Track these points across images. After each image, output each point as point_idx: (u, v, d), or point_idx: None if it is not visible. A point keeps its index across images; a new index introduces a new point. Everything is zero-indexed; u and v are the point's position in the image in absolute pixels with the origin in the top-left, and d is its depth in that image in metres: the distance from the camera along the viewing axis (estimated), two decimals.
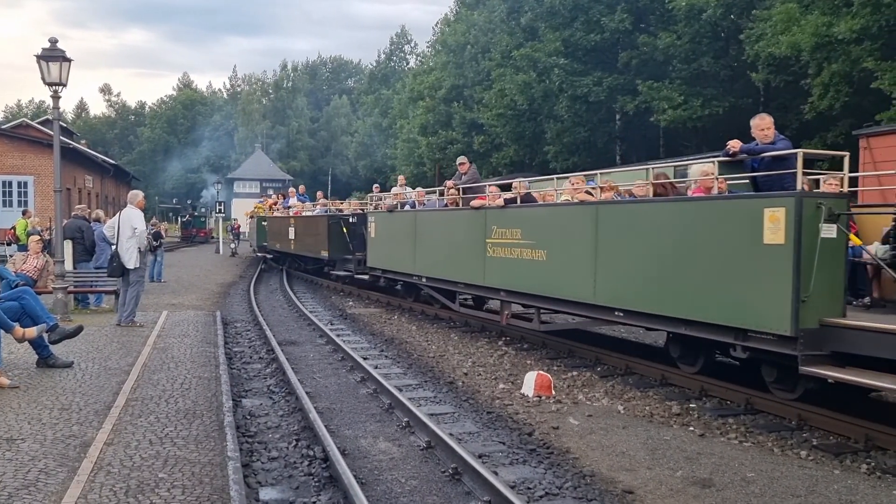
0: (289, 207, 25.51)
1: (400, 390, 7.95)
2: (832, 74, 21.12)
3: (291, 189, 28.22)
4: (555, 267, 9.38)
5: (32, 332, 7.93)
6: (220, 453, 5.42)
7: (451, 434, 6.31)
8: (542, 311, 10.23)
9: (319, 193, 26.66)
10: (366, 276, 16.83)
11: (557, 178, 10.94)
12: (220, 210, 41.02)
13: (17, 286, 8.65)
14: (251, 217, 34.07)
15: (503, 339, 11.63)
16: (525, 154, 38.04)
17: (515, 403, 7.65)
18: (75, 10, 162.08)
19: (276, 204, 28.69)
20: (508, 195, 10.86)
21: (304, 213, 23.17)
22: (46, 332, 8.18)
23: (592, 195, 9.16)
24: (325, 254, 19.45)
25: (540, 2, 33.44)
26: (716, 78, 29.20)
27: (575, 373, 9.10)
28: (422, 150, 48.32)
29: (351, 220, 18.75)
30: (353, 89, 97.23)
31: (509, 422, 7.02)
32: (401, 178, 19.65)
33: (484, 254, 11.02)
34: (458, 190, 12.60)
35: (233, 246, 37.86)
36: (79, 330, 8.89)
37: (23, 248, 16.95)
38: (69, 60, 11.96)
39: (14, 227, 20.11)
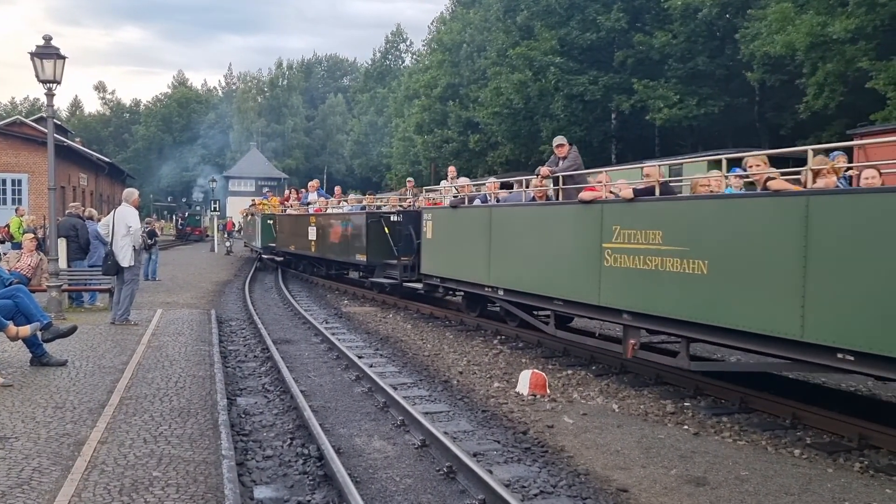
0: (308, 204, 22.34)
1: (395, 389, 7.95)
2: (827, 74, 21.20)
3: (312, 182, 24.49)
4: (722, 284, 6.75)
5: (26, 330, 7.91)
6: (214, 452, 5.40)
7: (445, 433, 6.31)
8: (691, 342, 7.54)
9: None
10: (417, 285, 14.33)
11: (711, 160, 9.18)
12: (215, 208, 40.94)
13: (10, 284, 8.61)
14: (251, 215, 31.14)
15: (498, 337, 11.63)
16: (521, 153, 38.08)
17: (510, 402, 7.66)
18: (69, 7, 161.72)
19: (287, 200, 25.93)
20: (640, 184, 8.32)
21: (330, 210, 20.39)
22: (40, 330, 8.16)
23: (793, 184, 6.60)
24: (361, 258, 16.77)
25: (536, 0, 33.46)
26: (711, 77, 29.27)
27: (570, 371, 9.11)
28: (417, 148, 48.36)
29: (394, 218, 15.94)
30: (348, 87, 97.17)
31: (504, 420, 7.02)
32: (451, 169, 16.24)
33: (599, 262, 8.29)
34: (554, 180, 9.94)
35: (227, 244, 37.79)
36: (73, 329, 8.86)
37: (17, 245, 16.90)
38: (63, 58, 11.92)
39: (8, 225, 20.05)
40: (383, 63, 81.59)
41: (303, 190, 25.12)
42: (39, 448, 5.40)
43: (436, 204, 14.32)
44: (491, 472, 5.44)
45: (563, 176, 9.70)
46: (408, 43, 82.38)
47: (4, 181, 30.82)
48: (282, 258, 24.74)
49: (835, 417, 6.54)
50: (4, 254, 14.83)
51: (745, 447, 6.18)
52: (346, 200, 21.61)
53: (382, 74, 77.83)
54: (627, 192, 8.00)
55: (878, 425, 6.18)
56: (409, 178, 21.00)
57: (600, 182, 9.14)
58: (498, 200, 11.56)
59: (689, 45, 28.23)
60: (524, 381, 8.08)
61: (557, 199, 9.84)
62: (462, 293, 13.12)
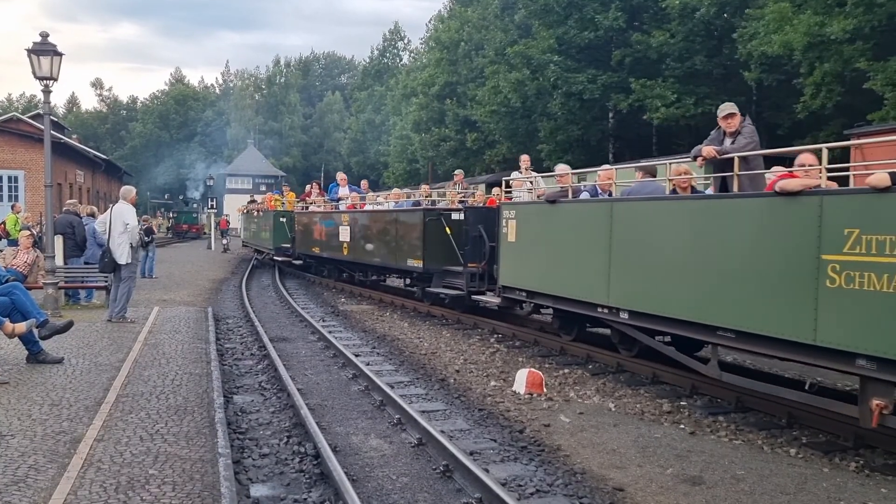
0: (338, 200, 19.10)
1: (391, 387, 7.95)
2: (824, 74, 21.20)
3: (341, 175, 21.00)
4: None
5: (22, 327, 7.90)
6: (210, 450, 5.40)
7: (442, 431, 6.31)
8: None
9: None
10: (492, 300, 11.62)
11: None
12: (212, 206, 40.90)
13: (7, 281, 8.60)
14: (256, 212, 28.75)
15: (495, 336, 11.64)
16: (518, 151, 37.93)
17: (507, 401, 7.66)
18: (66, 3, 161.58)
19: (308, 196, 22.50)
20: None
21: (373, 207, 17.29)
22: (36, 327, 8.15)
23: None
24: (416, 263, 13.94)
25: None
26: (709, 76, 29.28)
27: (566, 370, 9.12)
28: (415, 146, 48.34)
29: (456, 216, 13.52)
30: (346, 85, 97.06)
31: (501, 419, 7.02)
32: (524, 158, 12.99)
33: (814, 282, 5.81)
34: (720, 164, 7.42)
35: (224, 242, 37.75)
36: (69, 325, 8.84)
37: (13, 242, 16.86)
38: (60, 55, 11.89)
39: (4, 222, 19.99)
40: (381, 61, 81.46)
41: (336, 188, 20.18)
42: (35, 445, 5.39)
43: (505, 200, 11.72)
44: (487, 470, 5.44)
45: (738, 158, 6.94)
46: (406, 41, 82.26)
47: (1, 178, 30.75)
48: (300, 261, 21.76)
49: (830, 417, 6.56)
50: (1, 251, 14.78)
51: (741, 446, 6.20)
52: (388, 196, 18.67)
53: (380, 72, 77.73)
54: (880, 179, 5.37)
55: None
56: (457, 171, 16.85)
57: (803, 166, 6.41)
58: (610, 194, 8.95)
59: (686, 44, 28.23)
60: (521, 379, 8.08)
61: (725, 189, 7.29)
62: (556, 311, 10.22)
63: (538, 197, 10.63)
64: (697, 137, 32.01)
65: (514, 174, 13.17)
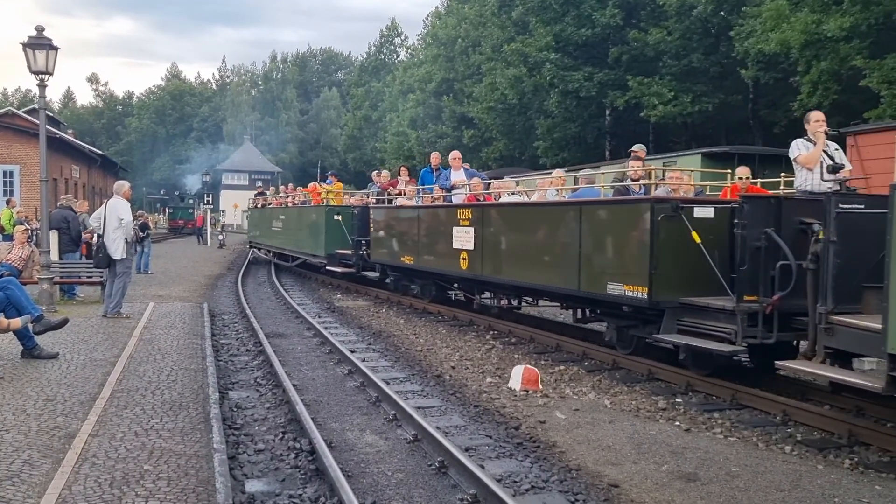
0: (451, 189, 13.06)
1: (387, 383, 7.95)
2: (821, 72, 21.23)
3: (455, 154, 13.81)
4: None
5: (17, 322, 7.88)
6: (206, 445, 5.40)
7: (437, 427, 6.31)
8: None
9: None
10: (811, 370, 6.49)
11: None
12: (208, 201, 40.83)
13: (1, 276, 8.58)
14: (262, 206, 26.33)
15: (491, 332, 11.64)
16: (515, 149, 38.09)
17: (502, 397, 7.66)
18: None
19: (394, 185, 16.27)
20: None
21: (510, 199, 11.80)
22: (31, 322, 8.13)
23: None
24: (632, 291, 8.16)
25: None
26: (706, 74, 29.33)
27: (562, 367, 9.12)
28: (411, 143, 48.29)
29: (703, 211, 8.00)
30: (342, 82, 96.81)
31: (496, 415, 7.03)
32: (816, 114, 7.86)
33: None
34: None
35: (220, 238, 37.72)
36: (64, 321, 8.84)
37: (8, 237, 16.81)
38: (56, 49, 11.85)
39: None
40: (378, 57, 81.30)
41: (446, 173, 13.56)
42: (30, 441, 5.38)
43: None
44: (483, 466, 5.44)
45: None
46: (402, 37, 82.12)
47: None
48: (379, 273, 16.52)
49: (825, 414, 6.58)
50: None
51: (736, 443, 6.21)
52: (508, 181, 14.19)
53: (377, 69, 77.58)
54: None
55: (868, 422, 6.21)
56: (637, 146, 11.51)
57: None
58: None
59: (683, 42, 28.26)
60: (516, 376, 8.09)
61: None
62: None
63: None
64: (694, 135, 32.20)
65: (800, 142, 7.71)
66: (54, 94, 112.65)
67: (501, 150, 38.15)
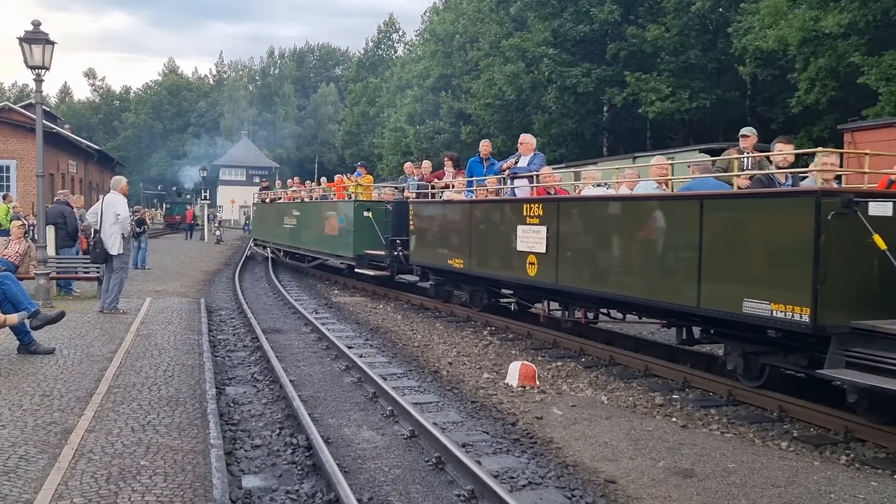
0: (514, 178, 11.10)
1: (384, 379, 7.94)
2: (819, 69, 21.23)
3: (527, 137, 11.29)
4: None
5: (14, 318, 7.87)
6: (202, 441, 5.39)
7: (434, 423, 6.31)
8: None
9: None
10: None
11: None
12: (205, 197, 40.80)
13: None
14: (270, 200, 24.95)
15: (488, 328, 11.63)
16: (513, 145, 37.93)
17: (500, 393, 7.66)
18: None
19: (440, 177, 14.24)
20: None
21: (619, 192, 9.12)
22: (28, 318, 8.12)
23: None
24: (801, 315, 6.09)
25: None
26: (703, 71, 29.31)
27: (559, 363, 9.12)
28: (409, 139, 48.22)
29: (881, 211, 6.18)
30: (340, 77, 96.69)
31: (493, 411, 7.03)
32: None
33: None
34: None
35: (218, 234, 37.70)
36: (61, 316, 8.81)
37: (4, 233, 16.77)
38: (52, 43, 11.81)
39: None
40: (375, 53, 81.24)
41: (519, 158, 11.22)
42: (26, 436, 5.37)
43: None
44: (479, 462, 5.44)
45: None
46: (401, 33, 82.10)
47: None
48: (419, 277, 14.88)
49: (821, 410, 6.58)
50: None
51: (733, 439, 6.22)
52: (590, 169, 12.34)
53: (375, 64, 77.51)
54: None
55: (864, 419, 6.22)
56: (747, 131, 9.23)
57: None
58: None
59: (681, 38, 28.25)
60: (514, 372, 8.08)
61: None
62: None
63: None
64: (691, 131, 32.19)
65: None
66: (51, 89, 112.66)
67: (499, 146, 38.10)
